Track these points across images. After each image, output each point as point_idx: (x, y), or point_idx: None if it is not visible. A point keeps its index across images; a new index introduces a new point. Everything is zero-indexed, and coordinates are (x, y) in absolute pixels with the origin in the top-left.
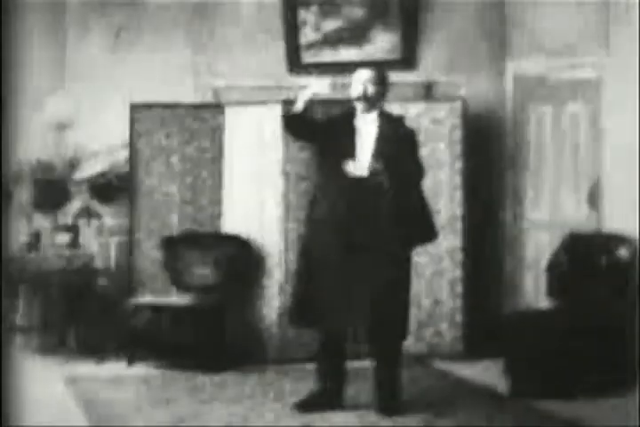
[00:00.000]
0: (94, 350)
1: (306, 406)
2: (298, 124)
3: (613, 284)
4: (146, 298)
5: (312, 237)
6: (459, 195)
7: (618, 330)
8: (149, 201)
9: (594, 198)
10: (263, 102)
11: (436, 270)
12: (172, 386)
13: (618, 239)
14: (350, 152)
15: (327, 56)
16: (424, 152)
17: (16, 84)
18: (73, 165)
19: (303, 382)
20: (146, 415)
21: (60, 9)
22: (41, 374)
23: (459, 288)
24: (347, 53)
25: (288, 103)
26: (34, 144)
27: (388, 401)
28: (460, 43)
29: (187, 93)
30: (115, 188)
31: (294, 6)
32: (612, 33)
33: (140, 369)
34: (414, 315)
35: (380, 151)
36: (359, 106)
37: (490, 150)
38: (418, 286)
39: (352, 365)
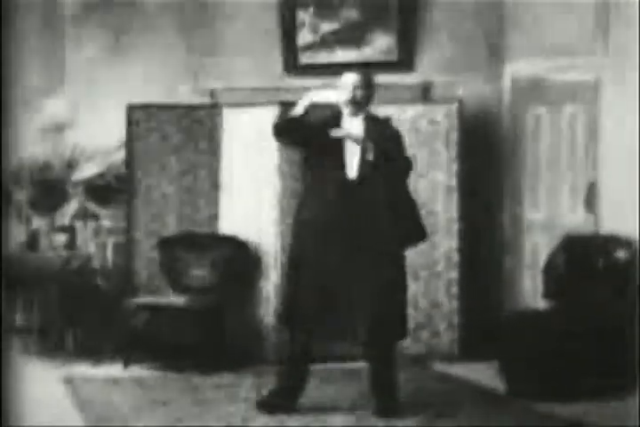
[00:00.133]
0: (92, 350)
1: (264, 406)
2: (291, 129)
3: (611, 285)
4: (143, 299)
5: (301, 239)
6: (456, 196)
7: (616, 331)
8: (147, 202)
9: (591, 200)
10: (261, 104)
11: (433, 272)
12: (169, 387)
13: (615, 241)
14: (339, 155)
15: (324, 58)
16: (421, 154)
17: (14, 85)
18: (71, 165)
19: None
20: (144, 416)
21: (59, 10)
22: (39, 375)
23: (456, 290)
24: (344, 55)
25: (285, 105)
26: (32, 145)
27: (387, 403)
28: (457, 44)
29: (184, 95)
30: (112, 189)
31: (292, 8)
32: (611, 34)
33: (138, 370)
34: (412, 316)
35: (368, 153)
36: (347, 110)
37: (487, 152)
38: (415, 288)
39: (347, 366)
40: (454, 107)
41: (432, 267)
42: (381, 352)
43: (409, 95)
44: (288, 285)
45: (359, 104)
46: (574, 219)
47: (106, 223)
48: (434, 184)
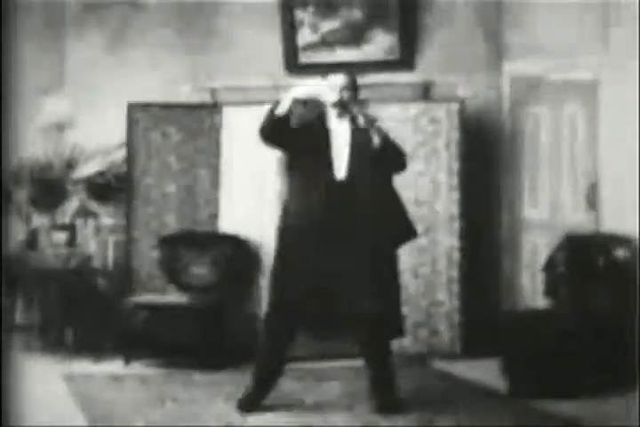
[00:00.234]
0: (92, 348)
1: (243, 406)
2: (276, 131)
3: (611, 284)
4: (143, 297)
5: (290, 241)
6: (456, 195)
7: (616, 330)
8: (147, 201)
9: (592, 199)
10: (261, 103)
11: (433, 271)
12: (169, 385)
13: (616, 240)
14: (326, 156)
15: (325, 57)
16: (422, 152)
17: (15, 84)
18: (71, 164)
19: (301, 380)
20: (144, 414)
21: (59, 9)
22: (40, 373)
23: (456, 288)
24: (344, 54)
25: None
26: (32, 144)
27: (387, 401)
28: (457, 43)
29: (184, 94)
30: (112, 187)
31: (292, 7)
32: (610, 34)
33: (139, 368)
34: (412, 315)
35: (358, 154)
36: (334, 111)
37: (487, 151)
38: (415, 286)
39: (346, 364)
40: (455, 106)
41: (432, 266)
42: (378, 351)
43: (410, 94)
44: (275, 288)
45: (346, 105)
46: (574, 218)
47: (106, 222)
48: (435, 183)
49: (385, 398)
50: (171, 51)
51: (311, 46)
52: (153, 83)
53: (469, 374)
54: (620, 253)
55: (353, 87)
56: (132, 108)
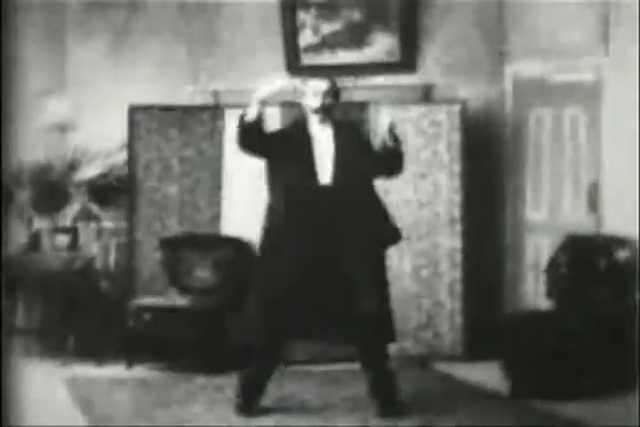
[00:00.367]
0: (94, 352)
1: (243, 409)
2: (252, 137)
3: (613, 286)
4: (145, 300)
5: (277, 248)
6: (458, 197)
7: (617, 331)
8: (149, 203)
9: (593, 200)
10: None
11: (435, 272)
12: (171, 388)
13: (617, 241)
14: (309, 162)
15: (326, 59)
16: (424, 154)
17: (16, 86)
18: (72, 166)
19: (303, 383)
20: (146, 417)
21: (60, 10)
22: (41, 377)
23: (458, 290)
24: (346, 56)
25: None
26: (34, 146)
27: (387, 404)
28: (459, 45)
29: (186, 96)
30: (114, 189)
31: (293, 9)
32: (612, 35)
33: (140, 371)
34: (414, 317)
35: (342, 158)
36: (315, 117)
37: (489, 152)
38: (417, 288)
39: (347, 368)
40: (456, 108)
41: (434, 267)
42: (373, 354)
43: (411, 96)
44: (262, 290)
45: (328, 111)
46: (576, 219)
47: (108, 224)
48: (436, 185)
49: (385, 401)
50: (172, 53)
51: (312, 48)
52: (154, 85)
53: (471, 376)
54: (622, 254)
55: (334, 92)
56: (134, 111)
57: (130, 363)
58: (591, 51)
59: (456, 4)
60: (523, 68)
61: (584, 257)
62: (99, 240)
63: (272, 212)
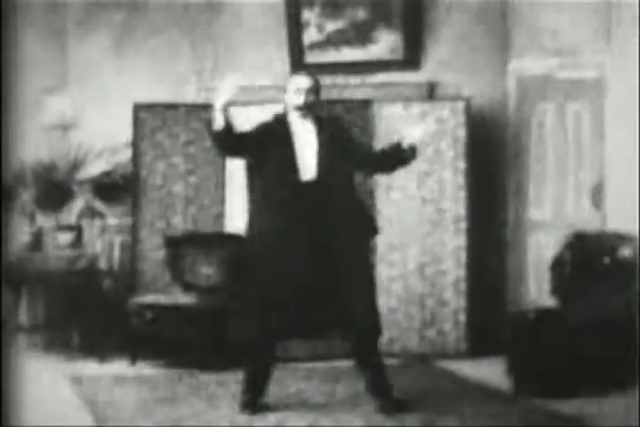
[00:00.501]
0: (97, 349)
1: (246, 407)
2: (226, 143)
3: (617, 283)
4: (149, 298)
5: (262, 246)
6: (462, 194)
7: (621, 329)
8: (153, 201)
9: (597, 198)
10: (267, 102)
11: (439, 270)
12: (175, 385)
13: (621, 239)
14: (291, 158)
15: (330, 56)
16: (428, 151)
17: (18, 85)
18: (76, 164)
19: (307, 380)
20: (149, 414)
21: (61, 9)
22: (44, 374)
23: (463, 288)
24: (350, 54)
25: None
26: (37, 144)
27: (386, 400)
28: (462, 42)
29: (190, 94)
30: (119, 187)
31: (297, 7)
32: (615, 32)
33: (144, 368)
34: (418, 315)
35: (326, 154)
36: (297, 113)
37: (493, 150)
38: (421, 286)
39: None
40: (460, 105)
41: (438, 265)
42: (365, 351)
43: (415, 94)
44: (250, 290)
45: (310, 107)
46: (580, 217)
47: (112, 222)
48: (440, 182)
49: (383, 398)
50: (176, 50)
51: (317, 46)
52: (159, 83)
53: (475, 374)
54: (626, 251)
55: (316, 89)
56: (138, 109)
57: (133, 360)
58: (594, 48)
59: (460, 1)
60: (526, 65)
61: (588, 255)
62: (102, 238)
63: (254, 216)
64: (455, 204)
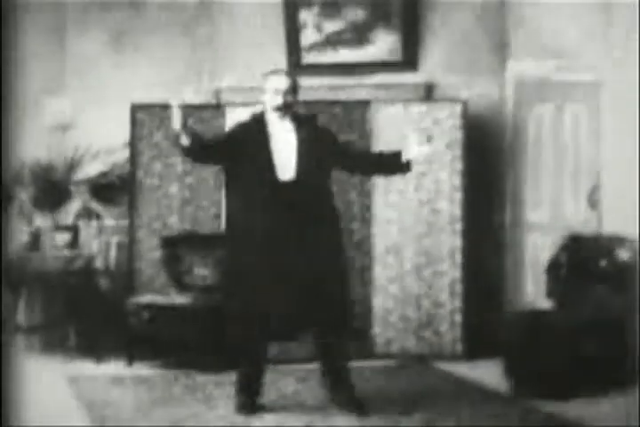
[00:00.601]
0: (95, 349)
1: (242, 409)
2: (198, 154)
3: (613, 285)
4: (146, 298)
5: (241, 247)
6: (459, 195)
7: (617, 331)
8: (150, 201)
9: (594, 200)
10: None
11: (436, 271)
12: (172, 386)
13: (618, 241)
14: (268, 158)
15: (328, 57)
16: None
17: (16, 85)
18: (73, 165)
19: (304, 382)
20: (146, 415)
21: (61, 9)
22: (41, 374)
23: (459, 289)
24: (348, 54)
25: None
26: (34, 144)
27: (347, 398)
28: (460, 44)
29: (188, 94)
30: (116, 188)
31: (295, 7)
32: (613, 34)
33: (141, 369)
34: (415, 316)
35: (306, 153)
36: (274, 114)
37: (490, 151)
38: (418, 287)
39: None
40: (458, 106)
41: (435, 266)
42: (332, 351)
43: (413, 95)
44: (230, 292)
45: (288, 107)
46: (577, 219)
47: (109, 223)
48: (437, 183)
49: (344, 395)
50: (174, 51)
51: (315, 47)
52: (156, 83)
53: (471, 375)
54: (622, 253)
55: (294, 89)
56: (135, 109)
57: (130, 361)
58: (593, 50)
59: (458, 2)
60: (524, 66)
61: (585, 257)
62: (99, 238)
63: (232, 213)
64: (451, 205)
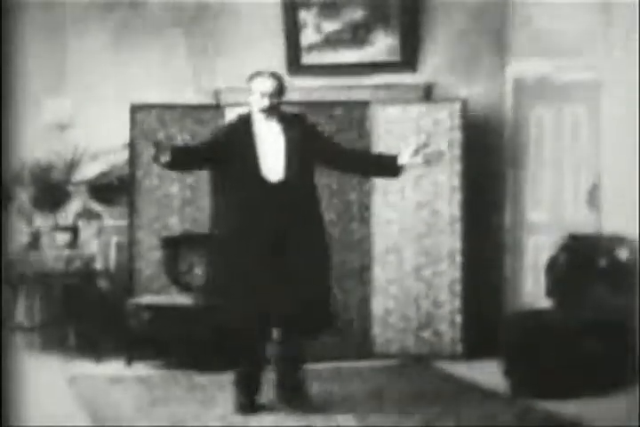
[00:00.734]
0: (94, 349)
1: (242, 408)
2: (181, 165)
3: (613, 285)
4: (146, 298)
5: (227, 248)
6: (458, 196)
7: (617, 330)
8: (149, 202)
9: (594, 199)
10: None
11: (435, 271)
12: (171, 386)
13: (617, 240)
14: (254, 160)
15: (328, 58)
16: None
17: (16, 85)
18: (73, 165)
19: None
20: (145, 415)
21: (60, 9)
22: (41, 374)
23: (459, 289)
24: (347, 55)
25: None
26: (34, 145)
27: (296, 398)
28: (460, 44)
29: (187, 94)
30: (115, 188)
31: (295, 8)
32: (613, 34)
33: (140, 369)
34: (414, 316)
35: (293, 154)
36: (261, 115)
37: (489, 151)
38: (417, 287)
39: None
40: (457, 106)
41: (435, 267)
42: (298, 346)
43: (412, 95)
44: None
45: (275, 108)
46: (576, 219)
47: (109, 223)
48: (437, 184)
49: (294, 395)
50: (173, 51)
51: (314, 47)
52: (156, 84)
53: (471, 375)
54: (622, 253)
55: (280, 90)
56: (135, 109)
57: (130, 361)
58: (592, 50)
59: (457, 3)
60: (523, 67)
61: (584, 256)
62: (99, 239)
63: (218, 214)
64: (450, 205)
